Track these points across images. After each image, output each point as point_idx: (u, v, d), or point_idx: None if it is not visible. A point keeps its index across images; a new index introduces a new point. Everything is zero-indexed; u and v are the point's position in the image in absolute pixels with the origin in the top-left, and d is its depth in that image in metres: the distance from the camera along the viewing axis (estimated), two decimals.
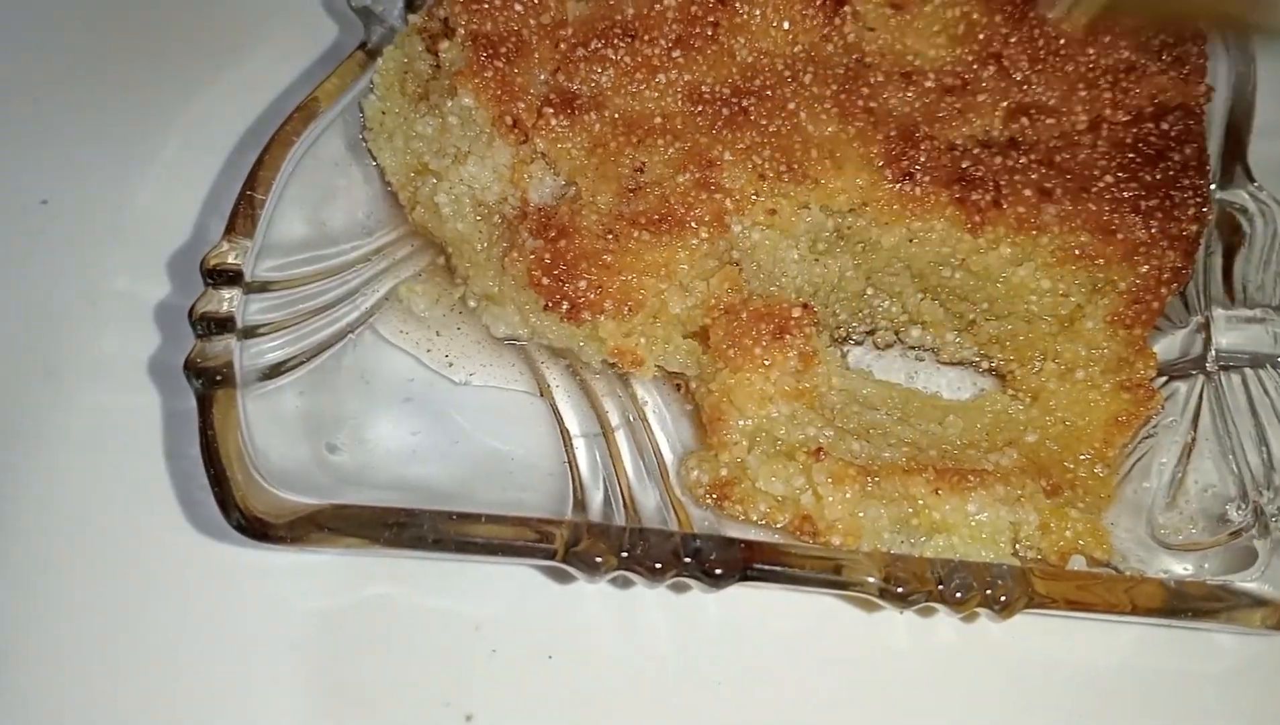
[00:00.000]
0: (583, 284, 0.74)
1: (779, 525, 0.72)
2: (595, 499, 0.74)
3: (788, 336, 0.76)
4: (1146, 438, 0.80)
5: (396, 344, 0.83)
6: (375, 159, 0.87)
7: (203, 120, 0.99)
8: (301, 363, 0.77)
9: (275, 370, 0.74)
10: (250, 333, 0.73)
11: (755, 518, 0.73)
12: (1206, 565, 0.72)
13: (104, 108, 1.00)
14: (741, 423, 0.75)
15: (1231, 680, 0.75)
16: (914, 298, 0.84)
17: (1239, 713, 0.75)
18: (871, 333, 0.87)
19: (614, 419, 0.81)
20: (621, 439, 0.80)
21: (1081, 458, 0.77)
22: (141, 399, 0.84)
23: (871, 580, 0.65)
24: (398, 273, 0.86)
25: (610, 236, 0.75)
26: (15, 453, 0.82)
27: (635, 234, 0.75)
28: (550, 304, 0.74)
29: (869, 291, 0.84)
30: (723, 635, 0.76)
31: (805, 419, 0.75)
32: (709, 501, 0.74)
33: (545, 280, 0.74)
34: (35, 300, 0.89)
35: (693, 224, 0.75)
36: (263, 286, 0.76)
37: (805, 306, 0.77)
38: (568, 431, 0.80)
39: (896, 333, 0.86)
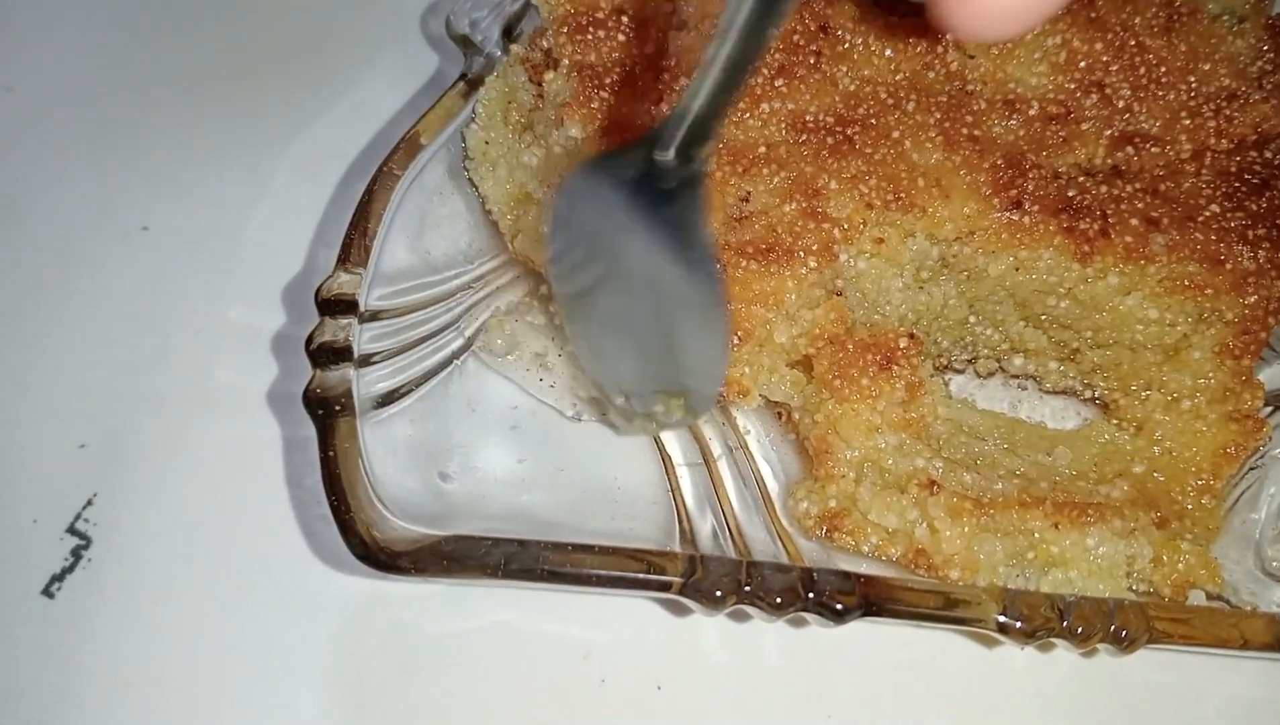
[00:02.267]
0: None
1: (892, 558, 0.72)
2: (703, 529, 0.75)
3: (895, 367, 0.76)
4: (1254, 468, 0.79)
5: (500, 371, 0.83)
6: (477, 188, 0.88)
7: (309, 151, 1.00)
8: (410, 391, 0.78)
9: (387, 398, 0.75)
10: (364, 361, 0.74)
11: (866, 550, 0.73)
12: None
13: (206, 137, 1.02)
14: (849, 454, 0.75)
15: None
16: (1017, 326, 0.83)
17: None
18: (973, 361, 0.86)
19: (715, 448, 0.81)
20: (724, 468, 0.80)
21: (1189, 489, 0.76)
22: (256, 429, 0.85)
23: (995, 617, 0.65)
24: (498, 299, 0.86)
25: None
26: (129, 484, 0.83)
27: (743, 263, 0.75)
28: None
29: (972, 319, 0.84)
30: (835, 665, 0.76)
31: (914, 450, 0.75)
32: (818, 533, 0.74)
33: None
34: (140, 329, 0.90)
35: (800, 253, 0.75)
36: (374, 315, 0.77)
37: (912, 336, 0.77)
38: (670, 458, 0.81)
39: (998, 361, 0.86)
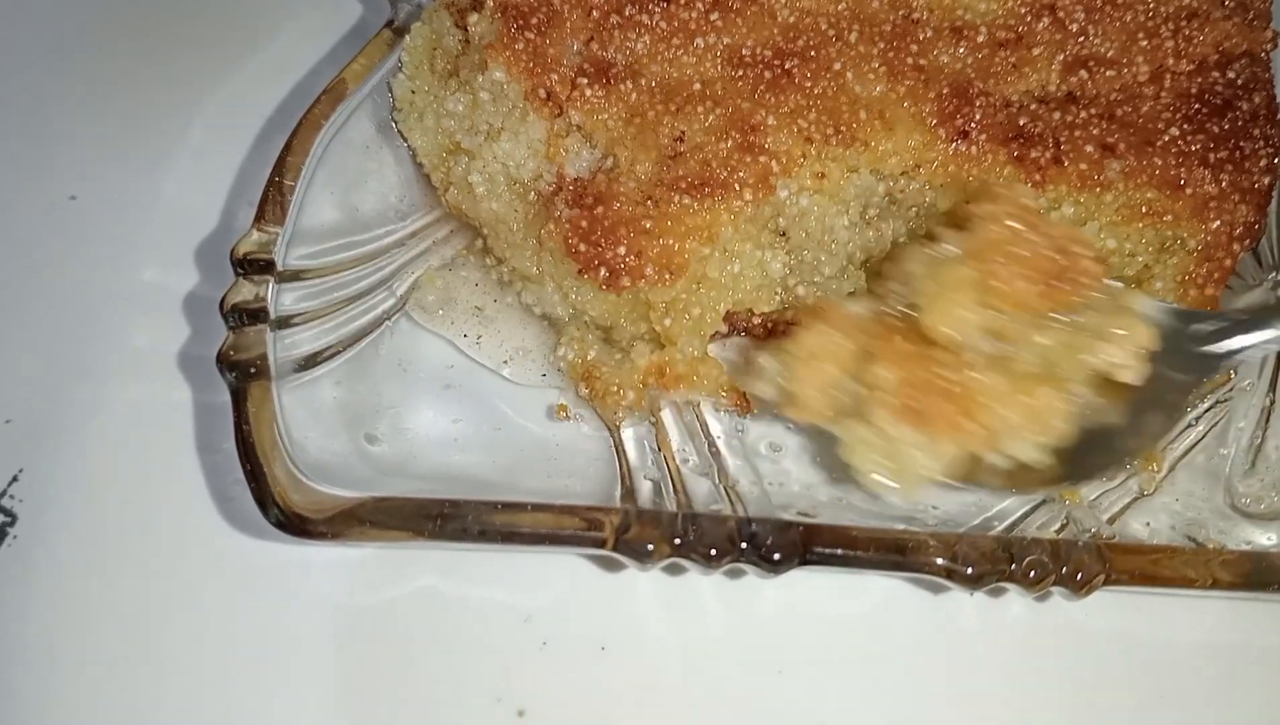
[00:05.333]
0: (621, 249, 0.71)
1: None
2: (644, 484, 0.72)
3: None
4: (1221, 402, 0.77)
5: (434, 330, 0.80)
6: (406, 140, 0.84)
7: (228, 105, 0.97)
8: (337, 352, 0.75)
9: (311, 361, 0.72)
10: (284, 323, 0.71)
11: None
12: None
13: (128, 99, 0.99)
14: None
15: None
16: None
17: None
18: None
19: (661, 401, 0.78)
20: (669, 421, 0.77)
21: None
22: (174, 393, 0.82)
23: (940, 562, 0.62)
24: (433, 257, 0.83)
25: (650, 202, 0.72)
26: (54, 453, 0.80)
27: (676, 198, 0.72)
28: (587, 270, 0.71)
29: None
30: (782, 621, 0.73)
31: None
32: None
33: (582, 246, 0.71)
34: (68, 297, 0.88)
35: (736, 186, 0.72)
36: (295, 275, 0.74)
37: None
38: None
39: None
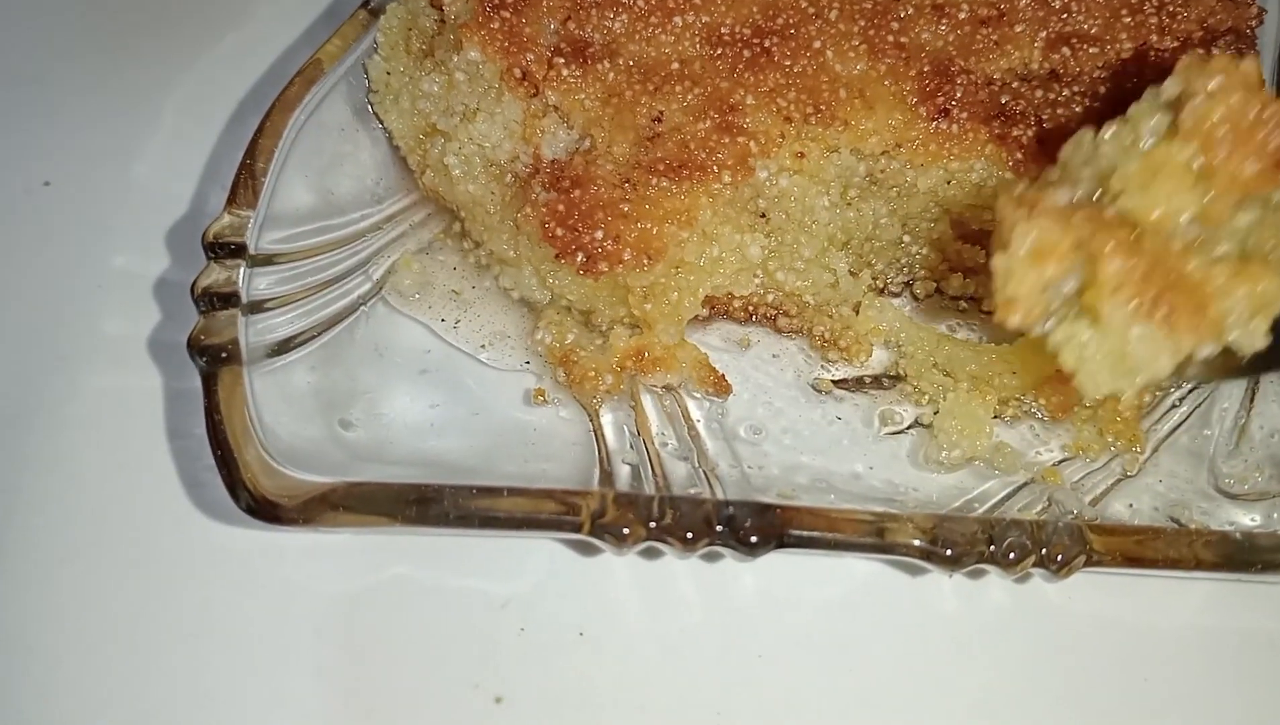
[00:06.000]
0: (599, 234, 0.70)
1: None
2: (623, 468, 0.71)
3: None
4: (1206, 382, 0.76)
5: (411, 314, 0.79)
6: (382, 122, 0.84)
7: (201, 88, 0.96)
8: (312, 337, 0.74)
9: (284, 346, 0.71)
10: (256, 307, 0.70)
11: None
12: (1276, 515, 0.68)
13: (103, 83, 0.98)
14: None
15: None
16: (953, 244, 0.79)
17: None
18: (910, 284, 0.83)
19: (641, 385, 0.78)
20: (649, 405, 0.76)
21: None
22: (146, 379, 0.81)
23: (916, 543, 0.61)
24: (410, 241, 0.82)
25: (627, 185, 0.71)
26: (28, 439, 0.80)
27: (653, 181, 0.71)
28: (564, 255, 0.70)
29: (906, 239, 0.80)
30: (761, 606, 0.72)
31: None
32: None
33: (559, 231, 0.70)
34: (43, 283, 0.87)
35: (714, 168, 0.71)
36: (268, 259, 0.73)
37: None
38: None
39: (936, 282, 0.82)
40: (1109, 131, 0.60)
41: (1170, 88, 0.58)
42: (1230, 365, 0.60)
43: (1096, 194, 0.59)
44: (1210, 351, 0.57)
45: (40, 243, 0.89)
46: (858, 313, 0.79)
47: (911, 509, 0.67)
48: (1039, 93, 0.74)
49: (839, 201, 0.77)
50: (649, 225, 0.71)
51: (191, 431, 0.77)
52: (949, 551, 0.61)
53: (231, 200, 0.72)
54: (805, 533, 0.62)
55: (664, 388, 0.77)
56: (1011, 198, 0.58)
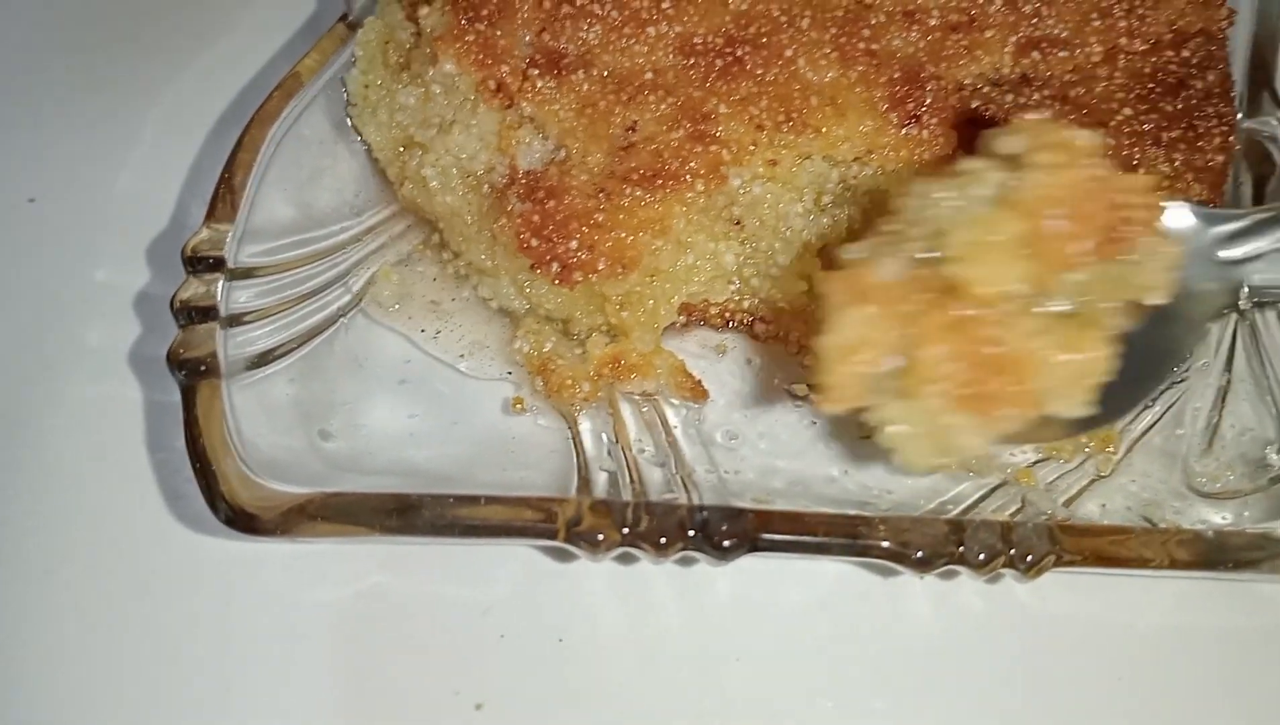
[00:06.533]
0: (573, 244, 0.71)
1: None
2: (600, 476, 0.72)
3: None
4: (1178, 382, 0.76)
5: (390, 326, 0.80)
6: (361, 135, 0.84)
7: (181, 101, 0.97)
8: (291, 350, 0.75)
9: (263, 358, 0.72)
10: (235, 321, 0.71)
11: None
12: (1247, 513, 0.69)
13: (85, 101, 0.98)
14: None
15: (1278, 634, 0.71)
16: None
17: None
18: None
19: (619, 392, 0.78)
20: (627, 412, 0.77)
21: None
22: (126, 392, 0.82)
23: (887, 545, 0.62)
24: (389, 252, 0.83)
25: (601, 195, 0.72)
26: (8, 450, 0.80)
27: (627, 191, 0.72)
28: (540, 266, 0.71)
29: None
30: (737, 610, 0.73)
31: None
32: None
33: (534, 242, 0.71)
34: (26, 297, 0.87)
35: (687, 177, 0.72)
36: (247, 272, 0.73)
37: None
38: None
39: None
40: (940, 191, 0.58)
41: (1007, 145, 0.57)
42: (1052, 430, 0.62)
43: (928, 251, 0.58)
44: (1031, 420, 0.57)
45: (24, 258, 0.89)
46: None
47: (885, 512, 0.67)
48: (1010, 97, 0.75)
49: (813, 208, 0.77)
50: (623, 234, 0.71)
51: (172, 444, 0.78)
52: (918, 553, 0.62)
53: (210, 214, 0.73)
54: (777, 536, 0.62)
55: (641, 395, 0.78)
56: (833, 275, 0.57)
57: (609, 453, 0.74)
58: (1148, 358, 0.63)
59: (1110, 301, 0.57)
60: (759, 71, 0.75)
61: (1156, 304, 0.58)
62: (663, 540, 0.63)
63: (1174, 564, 0.63)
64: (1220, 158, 0.74)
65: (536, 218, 0.72)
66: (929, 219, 0.58)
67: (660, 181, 0.72)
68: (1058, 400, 0.56)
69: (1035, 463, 0.75)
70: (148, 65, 0.99)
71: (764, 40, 0.76)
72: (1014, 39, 0.78)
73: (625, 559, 0.72)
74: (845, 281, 0.56)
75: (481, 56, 0.76)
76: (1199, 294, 0.64)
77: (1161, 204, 0.59)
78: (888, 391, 0.57)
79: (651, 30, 0.76)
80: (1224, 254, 0.64)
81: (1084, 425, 0.62)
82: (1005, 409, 0.55)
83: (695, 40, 0.76)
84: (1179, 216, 0.63)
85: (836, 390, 0.56)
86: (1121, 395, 0.63)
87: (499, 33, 0.76)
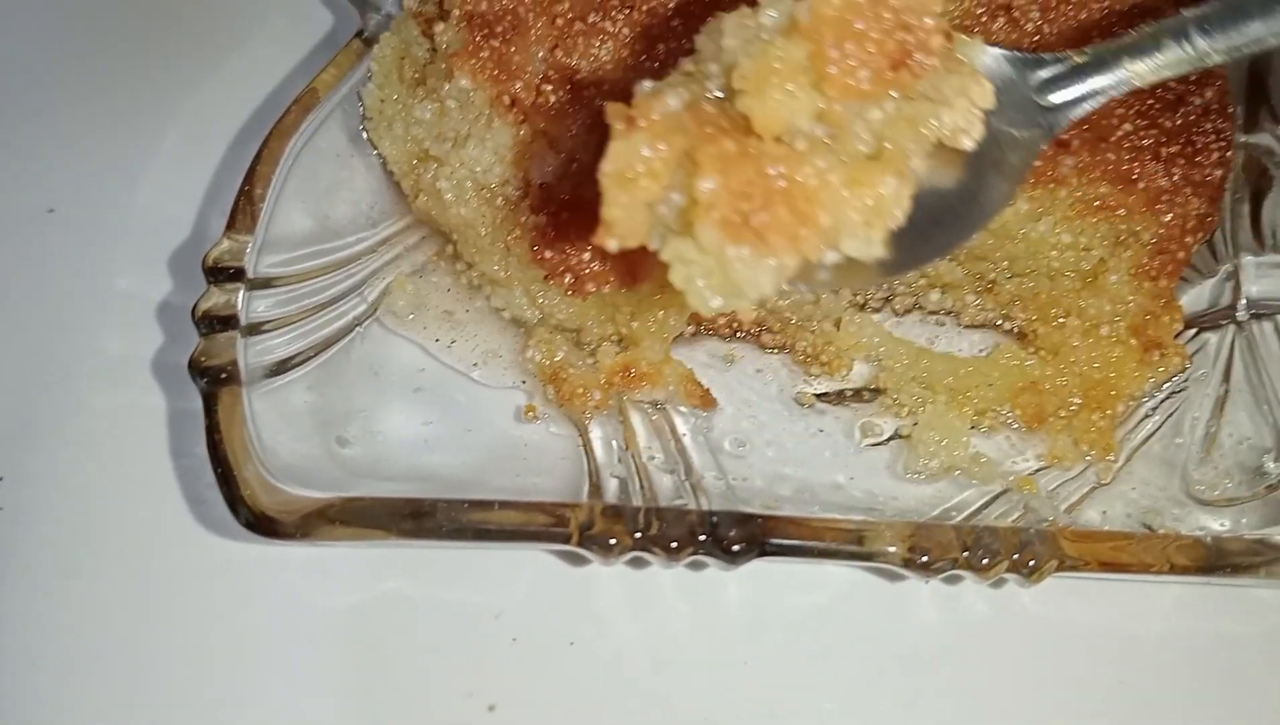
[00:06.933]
0: (586, 255, 0.72)
1: None
2: (611, 482, 0.73)
3: None
4: (1177, 392, 0.78)
5: (405, 334, 0.82)
6: (377, 149, 0.86)
7: (201, 115, 0.98)
8: (309, 358, 0.76)
9: (282, 366, 0.74)
10: (255, 329, 0.72)
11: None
12: (1244, 520, 0.71)
13: (105, 113, 1.00)
14: None
15: (1275, 638, 0.73)
16: None
17: None
18: (889, 299, 0.85)
19: (629, 400, 0.80)
20: (636, 420, 0.78)
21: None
22: (148, 399, 0.83)
23: (893, 550, 0.63)
24: (404, 262, 0.85)
25: None
26: (33, 459, 0.82)
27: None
28: (553, 276, 0.73)
29: None
30: (745, 614, 0.74)
31: None
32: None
33: (548, 253, 0.73)
34: (46, 307, 0.89)
35: None
36: (266, 282, 0.75)
37: None
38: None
39: (915, 297, 0.84)
40: (732, 21, 0.55)
41: None
42: (861, 274, 0.58)
43: (721, 92, 0.54)
44: (831, 261, 0.54)
45: (44, 267, 0.91)
46: (839, 328, 0.81)
47: (891, 518, 0.69)
48: None
49: None
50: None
51: (194, 450, 0.79)
52: (924, 558, 0.63)
53: (230, 226, 0.74)
54: (786, 541, 0.64)
55: (651, 403, 0.79)
56: (617, 105, 0.53)
57: (619, 459, 0.75)
58: (967, 204, 0.60)
59: (915, 142, 0.54)
60: None
61: (970, 148, 0.55)
62: (674, 545, 0.64)
63: (1173, 569, 0.65)
64: (1218, 173, 0.76)
65: (550, 230, 0.73)
66: (724, 53, 0.55)
67: None
68: (847, 238, 0.53)
69: (1037, 471, 0.76)
70: (168, 79, 1.01)
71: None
72: None
73: (636, 563, 0.73)
74: (627, 112, 0.52)
75: (496, 72, 0.77)
76: (1019, 140, 0.61)
77: (956, 33, 0.56)
78: (671, 232, 0.54)
79: (662, 47, 0.78)
80: (1043, 99, 0.61)
81: (892, 268, 0.59)
82: (783, 240, 0.51)
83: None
84: (994, 59, 0.60)
85: (617, 223, 0.53)
86: (935, 241, 0.62)
87: (513, 49, 0.78)
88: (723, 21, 0.55)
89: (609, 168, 0.52)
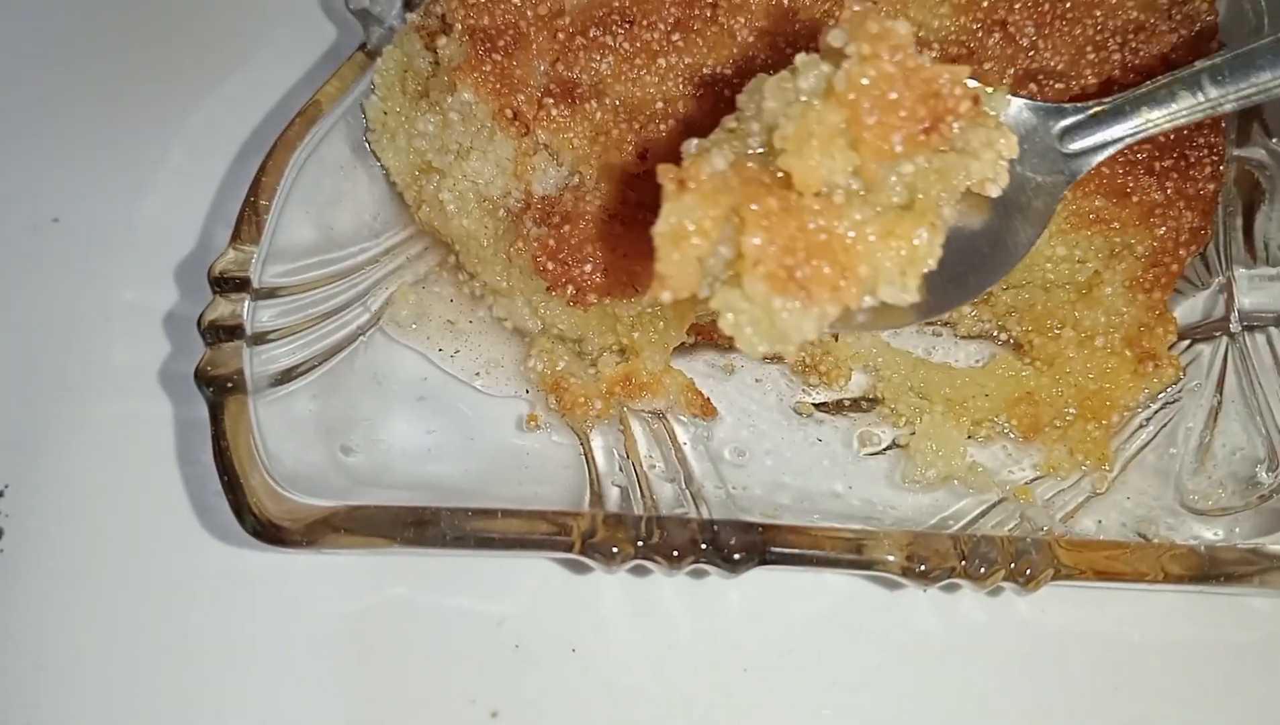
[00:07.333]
0: (588, 267, 0.73)
1: None
2: (612, 490, 0.74)
3: None
4: (1171, 402, 0.79)
5: (407, 344, 0.82)
6: (379, 160, 0.87)
7: (206, 127, 0.99)
8: (313, 367, 0.77)
9: (287, 375, 0.74)
10: (260, 339, 0.73)
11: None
12: (1237, 529, 0.71)
13: (109, 124, 1.01)
14: None
15: (1268, 647, 0.74)
16: None
17: (1279, 680, 0.73)
18: None
19: (630, 410, 0.81)
20: (638, 429, 0.79)
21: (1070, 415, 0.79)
22: (154, 409, 0.84)
23: (892, 559, 0.64)
24: (407, 272, 0.86)
25: (615, 220, 0.74)
26: (41, 468, 0.82)
27: (640, 216, 0.74)
28: (555, 287, 0.74)
29: None
30: (745, 621, 0.75)
31: None
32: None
33: (550, 265, 0.74)
34: (52, 317, 0.90)
35: None
36: (271, 292, 0.76)
37: None
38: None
39: None
40: (773, 83, 0.58)
41: (835, 39, 0.56)
42: (896, 316, 0.62)
43: (762, 148, 0.59)
44: (869, 306, 0.57)
45: (50, 277, 0.92)
46: (837, 339, 0.82)
47: (889, 527, 0.70)
48: None
49: None
50: (635, 258, 0.74)
51: (200, 458, 0.80)
52: (922, 567, 0.64)
53: (236, 236, 0.75)
54: (786, 550, 0.65)
55: (652, 412, 0.80)
56: (666, 166, 0.56)
57: (620, 468, 0.76)
58: (994, 248, 0.65)
59: (946, 192, 0.58)
60: None
61: (997, 196, 0.59)
62: (675, 553, 0.65)
63: (1168, 578, 0.66)
64: (1211, 186, 0.77)
65: (552, 241, 0.74)
66: (763, 114, 0.59)
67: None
68: (884, 286, 0.57)
69: (1033, 480, 0.77)
70: (173, 91, 1.02)
71: (770, 72, 0.79)
72: (1012, 71, 0.80)
73: (637, 571, 0.74)
74: (676, 173, 0.56)
75: (498, 85, 0.78)
76: (1043, 186, 0.65)
77: (983, 91, 0.59)
78: (721, 283, 0.58)
79: (662, 61, 0.79)
80: (1065, 147, 0.66)
81: (925, 311, 0.63)
82: (826, 292, 0.55)
83: (704, 71, 0.79)
84: (1017, 109, 0.65)
85: (670, 277, 0.56)
86: (967, 284, 0.66)
87: (515, 63, 0.79)
88: (764, 83, 0.59)
89: (663, 227, 0.56)
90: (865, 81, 0.55)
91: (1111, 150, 0.66)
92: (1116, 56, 0.80)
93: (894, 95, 0.55)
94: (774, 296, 0.55)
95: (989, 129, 0.57)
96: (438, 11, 0.84)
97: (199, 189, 0.95)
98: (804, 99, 0.57)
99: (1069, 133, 0.66)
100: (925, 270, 0.57)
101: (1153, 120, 0.65)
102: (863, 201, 0.57)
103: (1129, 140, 0.66)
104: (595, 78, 0.79)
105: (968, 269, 0.64)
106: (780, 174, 0.57)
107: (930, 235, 0.57)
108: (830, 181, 0.56)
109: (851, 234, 0.56)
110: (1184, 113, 0.64)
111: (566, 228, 0.74)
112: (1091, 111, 0.66)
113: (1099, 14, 0.81)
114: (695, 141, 0.60)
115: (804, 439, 0.80)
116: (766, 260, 0.55)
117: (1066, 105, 0.66)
